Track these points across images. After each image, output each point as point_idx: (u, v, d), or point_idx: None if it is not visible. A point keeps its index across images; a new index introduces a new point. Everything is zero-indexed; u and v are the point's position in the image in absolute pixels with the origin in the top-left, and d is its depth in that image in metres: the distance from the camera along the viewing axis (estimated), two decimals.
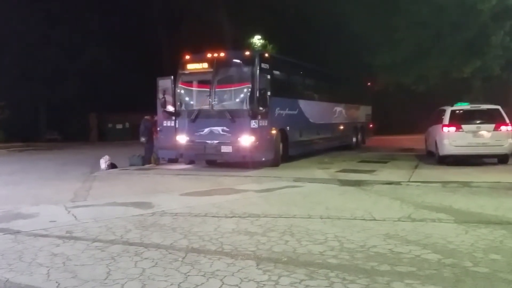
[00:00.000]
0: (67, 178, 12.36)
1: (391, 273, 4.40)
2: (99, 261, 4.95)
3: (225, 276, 4.39)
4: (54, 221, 6.92)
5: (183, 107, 13.82)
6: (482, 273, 4.38)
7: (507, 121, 13.08)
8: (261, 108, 12.73)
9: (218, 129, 13.02)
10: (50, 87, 33.65)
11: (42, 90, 33.80)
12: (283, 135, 14.17)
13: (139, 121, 15.41)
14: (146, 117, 15.23)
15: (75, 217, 7.23)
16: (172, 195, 9.35)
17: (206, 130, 13.18)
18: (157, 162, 15.16)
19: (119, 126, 36.65)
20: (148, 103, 16.08)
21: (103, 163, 14.27)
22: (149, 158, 14.95)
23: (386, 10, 22.31)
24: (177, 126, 13.80)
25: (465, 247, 5.22)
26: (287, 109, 14.57)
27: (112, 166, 14.33)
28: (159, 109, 14.35)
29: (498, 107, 13.48)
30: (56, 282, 4.35)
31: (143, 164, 14.73)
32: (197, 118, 13.35)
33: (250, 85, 12.77)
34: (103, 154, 14.97)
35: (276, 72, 14.13)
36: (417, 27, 21.20)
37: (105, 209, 7.89)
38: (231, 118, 12.79)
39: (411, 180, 10.63)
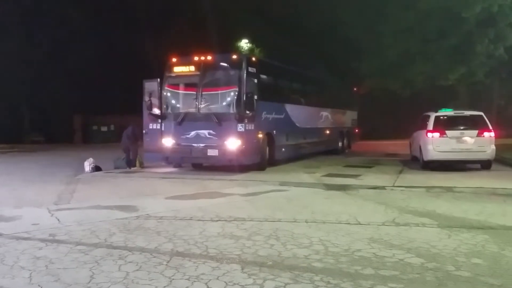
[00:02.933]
0: (50, 181, 12.20)
1: (375, 277, 4.43)
2: (83, 264, 4.90)
3: (210, 280, 4.38)
4: (37, 224, 6.82)
5: (169, 110, 13.76)
6: (464, 277, 4.44)
7: (490, 127, 13.31)
8: (247, 112, 12.73)
9: (205, 132, 13.00)
10: (34, 88, 33.24)
11: (25, 91, 33.37)
12: (270, 139, 14.19)
13: (124, 124, 15.29)
14: (132, 125, 15.21)
15: (58, 220, 7.15)
16: (157, 198, 9.29)
17: (193, 133, 13.14)
18: (142, 165, 15.05)
19: (104, 129, 36.23)
20: (133, 105, 15.98)
21: (87, 165, 14.11)
22: (134, 161, 14.82)
23: (373, 16, 22.56)
24: (163, 129, 13.73)
25: (447, 251, 5.28)
26: (274, 113, 14.60)
27: (97, 168, 14.18)
28: (145, 112, 14.26)
29: (481, 113, 13.71)
30: (39, 285, 4.30)
31: (129, 167, 14.62)
32: (183, 121, 13.31)
33: (237, 89, 12.77)
34: (88, 156, 14.83)
35: (263, 76, 14.15)
36: (404, 34, 21.48)
37: (89, 212, 7.81)
38: (218, 122, 12.78)
39: (395, 184, 10.73)
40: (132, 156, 14.79)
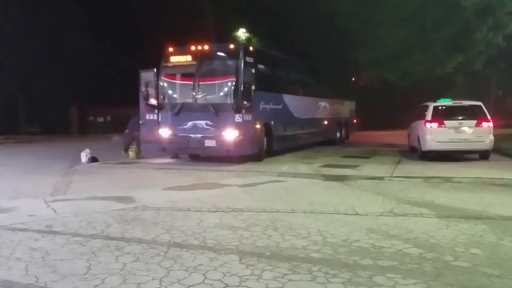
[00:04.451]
0: (47, 172, 12.14)
1: (373, 267, 4.41)
2: (79, 255, 4.87)
3: (208, 270, 4.35)
4: (33, 215, 6.78)
5: (166, 100, 13.68)
6: (463, 267, 4.42)
7: (489, 117, 13.29)
8: (245, 102, 12.66)
9: (202, 123, 12.94)
10: (29, 78, 33.02)
11: (21, 81, 33.15)
12: (267, 130, 14.14)
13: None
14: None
15: (54, 211, 7.11)
16: (155, 189, 9.26)
17: (190, 123, 13.08)
18: (139, 155, 15.00)
19: (100, 119, 36.07)
20: (130, 96, 15.86)
21: (84, 156, 14.05)
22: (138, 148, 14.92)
23: (371, 6, 22.41)
24: (160, 119, 13.65)
25: (446, 241, 5.27)
26: (272, 103, 14.54)
27: (93, 159, 14.12)
28: (142, 102, 14.17)
29: (480, 103, 13.69)
30: (35, 277, 4.26)
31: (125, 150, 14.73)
32: (181, 111, 13.24)
33: (234, 79, 12.69)
34: (84, 147, 14.75)
35: (261, 66, 14.07)
36: (402, 23, 21.36)
37: (85, 203, 7.77)
38: (215, 112, 12.72)
39: (393, 175, 10.72)
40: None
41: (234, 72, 12.76)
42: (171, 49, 13.77)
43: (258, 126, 13.46)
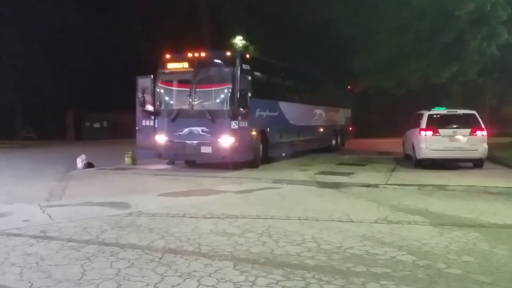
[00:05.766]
0: (42, 177, 12.12)
1: (367, 274, 4.44)
2: (74, 261, 4.87)
3: (202, 276, 4.37)
4: (28, 220, 6.78)
5: (162, 107, 13.71)
6: (455, 275, 4.46)
7: (483, 126, 13.38)
8: (241, 109, 12.71)
9: (198, 129, 12.96)
10: (26, 84, 32.99)
11: (17, 86, 33.11)
12: (263, 137, 14.18)
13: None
14: None
15: (49, 216, 7.10)
16: (150, 195, 9.26)
17: (186, 130, 13.10)
18: (135, 162, 14.98)
19: (97, 125, 35.99)
20: (127, 102, 15.87)
21: (80, 162, 14.04)
22: None
23: (367, 14, 22.60)
24: (156, 125, 13.68)
25: (439, 249, 5.31)
26: (268, 110, 14.59)
27: (89, 165, 14.10)
28: (138, 108, 14.19)
29: (474, 112, 13.78)
30: (29, 282, 4.27)
31: None
32: (177, 118, 13.26)
33: (231, 86, 12.74)
34: (80, 153, 14.73)
35: (257, 73, 14.13)
36: (398, 32, 21.54)
37: (80, 209, 7.77)
38: (211, 119, 12.75)
39: (388, 183, 10.76)
40: None
41: (230, 79, 12.82)
42: (168, 56, 13.82)
43: (254, 133, 13.51)
